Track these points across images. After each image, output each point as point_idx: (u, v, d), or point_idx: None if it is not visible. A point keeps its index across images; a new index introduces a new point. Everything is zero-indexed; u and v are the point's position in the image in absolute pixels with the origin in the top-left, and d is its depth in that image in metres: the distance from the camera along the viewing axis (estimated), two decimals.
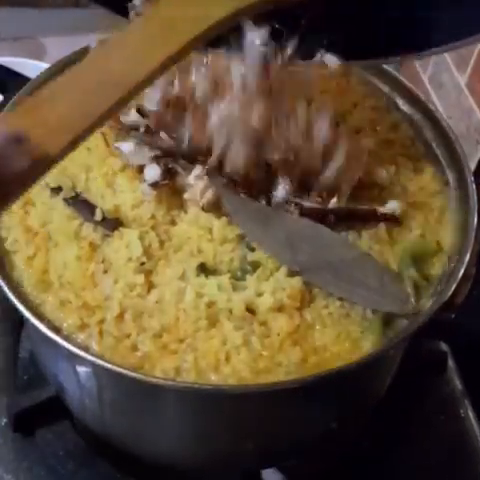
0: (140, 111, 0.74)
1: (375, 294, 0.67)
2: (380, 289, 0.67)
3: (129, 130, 0.74)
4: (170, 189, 0.72)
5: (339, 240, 0.69)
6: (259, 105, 0.69)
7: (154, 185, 0.71)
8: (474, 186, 0.73)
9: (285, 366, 0.63)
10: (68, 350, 0.61)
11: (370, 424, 0.83)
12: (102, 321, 0.64)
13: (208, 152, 0.70)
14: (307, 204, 0.71)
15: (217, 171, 0.70)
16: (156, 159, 0.72)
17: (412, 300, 0.67)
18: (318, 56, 0.69)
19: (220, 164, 0.70)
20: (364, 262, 0.69)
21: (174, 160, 0.72)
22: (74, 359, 0.64)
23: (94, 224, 0.70)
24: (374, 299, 0.67)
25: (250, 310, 0.65)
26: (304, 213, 0.70)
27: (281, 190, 0.70)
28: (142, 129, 0.73)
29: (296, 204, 0.71)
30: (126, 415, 0.72)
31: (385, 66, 0.86)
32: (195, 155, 0.71)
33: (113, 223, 0.69)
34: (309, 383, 0.60)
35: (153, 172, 0.72)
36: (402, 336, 0.64)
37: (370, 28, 0.65)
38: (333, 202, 0.71)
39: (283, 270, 0.67)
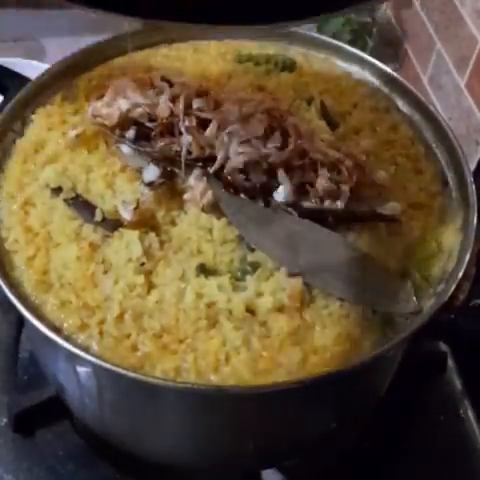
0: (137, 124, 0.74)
1: (376, 294, 0.67)
2: (381, 289, 0.67)
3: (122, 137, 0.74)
4: (169, 190, 0.72)
5: (339, 241, 0.69)
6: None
7: (150, 185, 0.71)
8: (474, 186, 0.73)
9: (285, 367, 0.63)
10: (68, 350, 0.61)
11: (370, 424, 0.83)
12: (102, 321, 0.64)
13: (207, 158, 0.70)
14: (306, 205, 0.71)
15: (216, 173, 0.70)
16: (155, 161, 0.72)
17: (414, 299, 0.67)
18: None
19: (220, 167, 0.70)
20: (364, 262, 0.69)
21: (173, 163, 0.72)
22: (74, 359, 0.64)
23: (94, 225, 0.70)
24: (375, 299, 0.67)
25: (250, 310, 0.65)
26: (303, 214, 0.70)
27: (281, 191, 0.71)
28: (132, 133, 0.73)
29: (295, 205, 0.71)
30: (126, 415, 0.72)
31: (385, 67, 0.86)
32: (194, 161, 0.71)
33: (113, 224, 0.70)
34: (309, 384, 0.60)
35: (152, 173, 0.72)
36: (402, 336, 0.64)
37: None
38: (332, 203, 0.71)
39: (283, 270, 0.67)
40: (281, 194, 0.70)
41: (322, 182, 0.70)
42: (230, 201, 0.69)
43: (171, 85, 0.78)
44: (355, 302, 0.66)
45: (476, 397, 0.91)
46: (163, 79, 0.79)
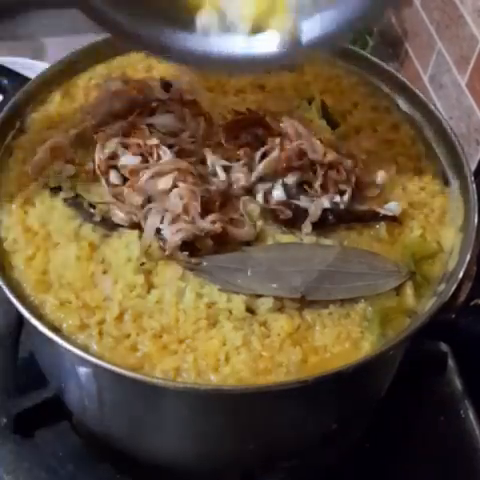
0: None
1: (371, 280, 0.67)
2: (373, 273, 0.68)
3: None
4: None
5: (313, 246, 0.69)
6: None
7: None
8: (474, 186, 0.73)
9: (285, 366, 0.62)
10: (68, 350, 0.61)
11: (370, 424, 0.83)
12: (102, 321, 0.64)
13: None
14: (306, 205, 0.71)
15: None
16: None
17: (401, 266, 0.68)
18: None
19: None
20: (346, 255, 0.69)
21: None
22: (74, 359, 0.64)
23: (93, 224, 0.69)
24: (373, 285, 0.67)
25: (250, 310, 0.65)
26: (302, 214, 0.70)
27: (278, 191, 0.71)
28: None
29: (292, 205, 0.71)
30: (126, 416, 0.72)
31: (386, 66, 0.86)
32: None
33: (112, 223, 0.69)
34: (309, 384, 0.60)
35: None
36: (402, 336, 0.64)
37: None
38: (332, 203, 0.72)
39: None
40: (278, 193, 0.71)
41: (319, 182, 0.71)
42: (205, 265, 0.67)
43: (170, 87, 0.79)
44: (359, 296, 0.66)
45: (476, 397, 0.91)
46: (162, 81, 0.79)
